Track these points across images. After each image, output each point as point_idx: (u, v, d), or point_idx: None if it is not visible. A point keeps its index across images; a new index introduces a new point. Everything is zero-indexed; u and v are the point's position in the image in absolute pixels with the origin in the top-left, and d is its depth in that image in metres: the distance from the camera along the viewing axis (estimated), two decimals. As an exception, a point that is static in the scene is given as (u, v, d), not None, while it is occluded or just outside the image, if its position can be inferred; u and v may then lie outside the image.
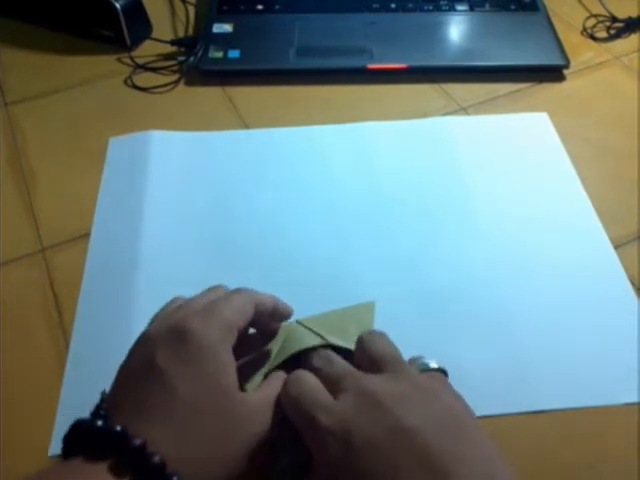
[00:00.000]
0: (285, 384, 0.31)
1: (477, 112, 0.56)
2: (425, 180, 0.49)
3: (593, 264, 0.44)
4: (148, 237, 0.45)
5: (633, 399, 0.37)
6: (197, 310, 0.30)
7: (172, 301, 0.34)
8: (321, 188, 0.49)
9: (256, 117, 0.55)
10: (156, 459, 0.25)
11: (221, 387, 0.28)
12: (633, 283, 0.43)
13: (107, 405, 0.28)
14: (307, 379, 0.31)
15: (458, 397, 0.30)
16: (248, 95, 0.58)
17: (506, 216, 0.47)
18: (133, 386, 0.28)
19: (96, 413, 0.28)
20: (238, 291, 0.33)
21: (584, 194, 0.48)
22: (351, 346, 0.35)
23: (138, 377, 0.28)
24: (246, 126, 0.54)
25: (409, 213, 0.47)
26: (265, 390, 0.31)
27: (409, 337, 0.39)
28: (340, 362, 0.32)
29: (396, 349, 0.32)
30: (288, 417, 0.30)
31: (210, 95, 0.58)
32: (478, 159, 0.51)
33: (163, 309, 0.33)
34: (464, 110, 0.56)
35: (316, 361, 0.32)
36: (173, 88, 0.58)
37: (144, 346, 0.30)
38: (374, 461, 0.26)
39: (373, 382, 0.29)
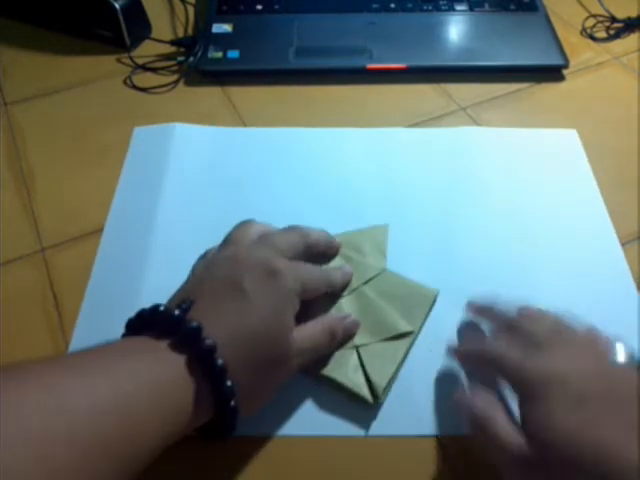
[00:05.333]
0: (489, 344, 0.35)
1: (477, 112, 0.56)
2: (440, 188, 0.49)
3: (609, 278, 0.43)
4: (161, 231, 0.46)
5: None
6: (282, 254, 0.35)
7: (245, 222, 0.38)
8: (339, 190, 0.49)
9: (255, 117, 0.55)
10: (209, 341, 0.29)
11: (285, 327, 0.32)
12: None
13: (188, 304, 0.31)
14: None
15: None
16: (247, 95, 0.58)
17: (524, 229, 0.46)
18: (214, 296, 0.32)
19: (179, 306, 0.31)
20: (323, 269, 0.39)
21: (607, 216, 0.47)
22: (369, 261, 0.42)
23: (222, 290, 0.32)
24: (245, 126, 0.54)
25: (424, 219, 0.47)
26: (313, 332, 0.35)
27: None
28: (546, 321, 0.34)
29: None
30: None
31: (209, 95, 0.58)
32: (500, 172, 0.50)
33: (240, 228, 0.37)
34: (464, 110, 0.56)
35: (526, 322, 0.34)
36: (173, 88, 0.58)
37: (232, 266, 0.33)
38: (596, 414, 0.28)
39: (580, 342, 0.33)
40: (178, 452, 0.35)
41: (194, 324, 0.29)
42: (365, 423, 0.36)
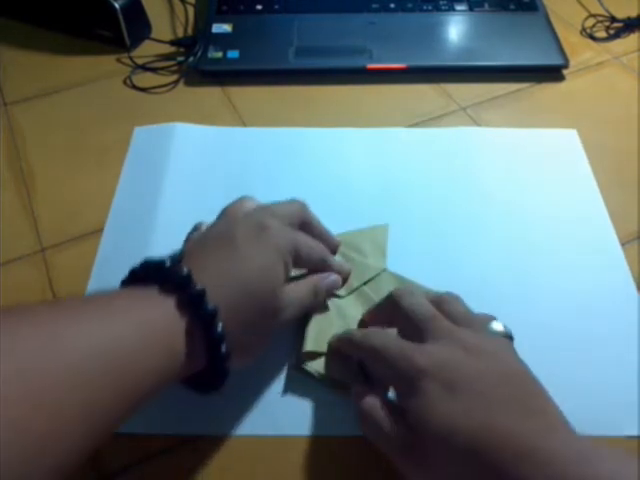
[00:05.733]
0: (363, 336, 0.35)
1: (477, 112, 0.56)
2: (440, 188, 0.49)
3: (613, 289, 0.42)
4: (161, 231, 0.46)
5: (633, 432, 0.36)
6: (278, 217, 0.35)
7: (242, 198, 0.38)
8: (339, 190, 0.49)
9: (255, 117, 0.55)
10: (199, 286, 0.29)
11: (277, 277, 0.33)
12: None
13: (179, 256, 0.32)
14: (386, 333, 0.35)
15: (523, 361, 0.32)
16: (247, 95, 0.58)
17: (524, 229, 0.46)
18: (206, 247, 0.33)
19: (170, 258, 0.31)
20: (314, 240, 0.38)
21: (607, 216, 0.46)
22: (370, 262, 0.42)
23: (214, 242, 0.33)
24: (245, 126, 0.55)
25: (424, 219, 0.47)
26: (299, 288, 0.36)
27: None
28: (426, 304, 0.35)
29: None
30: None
31: (209, 95, 0.58)
32: (500, 172, 0.50)
33: (236, 203, 0.37)
34: (464, 110, 0.56)
35: (405, 299, 0.35)
36: (172, 88, 0.58)
37: (228, 224, 0.34)
38: (472, 400, 0.29)
39: (462, 331, 0.32)
40: (176, 451, 0.35)
41: (184, 271, 0.29)
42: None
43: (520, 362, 0.32)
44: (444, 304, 0.35)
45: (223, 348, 0.29)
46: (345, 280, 0.40)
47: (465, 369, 0.30)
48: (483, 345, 0.32)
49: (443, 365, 0.30)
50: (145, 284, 0.30)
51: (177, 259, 0.32)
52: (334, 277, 0.39)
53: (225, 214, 0.37)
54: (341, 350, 0.37)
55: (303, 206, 0.38)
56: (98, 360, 0.25)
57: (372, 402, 0.32)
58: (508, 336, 0.34)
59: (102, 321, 0.27)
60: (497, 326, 0.34)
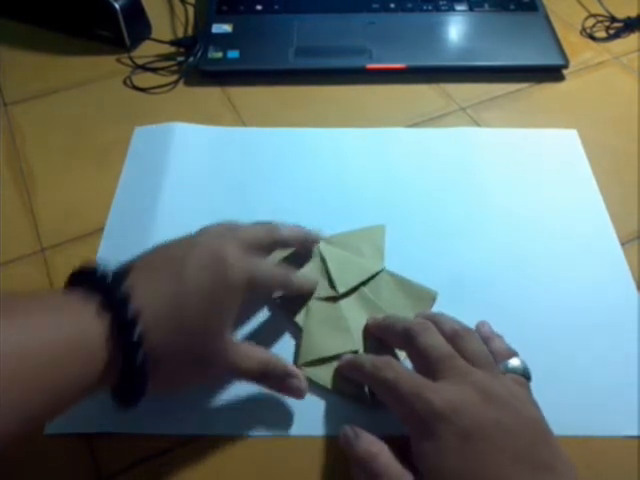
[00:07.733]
0: (373, 367, 0.33)
1: (477, 112, 0.56)
2: (440, 188, 0.49)
3: (613, 291, 0.42)
4: (161, 230, 0.45)
5: (633, 432, 0.36)
6: (239, 244, 0.34)
7: (222, 223, 0.37)
8: (338, 190, 0.49)
9: (255, 117, 0.55)
10: (123, 289, 0.29)
11: (220, 318, 0.32)
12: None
13: (125, 270, 0.31)
14: (398, 364, 0.33)
15: (537, 405, 0.32)
16: (247, 95, 0.58)
17: (523, 229, 0.46)
18: (155, 264, 0.32)
19: (116, 272, 0.31)
20: (283, 268, 0.38)
21: (607, 216, 0.46)
22: (368, 262, 0.42)
23: (165, 262, 0.32)
24: (245, 126, 0.55)
25: (424, 219, 0.47)
26: (253, 356, 0.34)
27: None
28: (442, 343, 0.33)
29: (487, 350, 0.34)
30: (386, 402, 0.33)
31: (209, 95, 0.58)
32: (500, 172, 0.50)
33: (213, 226, 0.36)
34: (463, 110, 0.56)
35: (422, 338, 0.33)
36: (172, 88, 0.58)
37: (185, 247, 0.33)
38: (484, 451, 0.28)
39: (477, 374, 0.31)
40: (176, 451, 0.35)
41: (110, 277, 0.29)
42: (363, 423, 0.36)
43: (534, 408, 0.31)
44: (459, 340, 0.34)
45: (139, 357, 0.28)
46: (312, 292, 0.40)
47: (479, 416, 0.29)
48: (497, 391, 0.31)
49: (459, 410, 0.29)
50: (86, 290, 0.29)
51: (125, 268, 0.31)
52: (298, 385, 0.35)
53: (198, 231, 0.36)
54: (348, 376, 0.36)
55: (271, 228, 0.38)
56: (11, 365, 0.25)
57: (373, 447, 0.31)
58: (525, 374, 0.34)
59: (26, 326, 0.26)
60: (515, 362, 0.34)
